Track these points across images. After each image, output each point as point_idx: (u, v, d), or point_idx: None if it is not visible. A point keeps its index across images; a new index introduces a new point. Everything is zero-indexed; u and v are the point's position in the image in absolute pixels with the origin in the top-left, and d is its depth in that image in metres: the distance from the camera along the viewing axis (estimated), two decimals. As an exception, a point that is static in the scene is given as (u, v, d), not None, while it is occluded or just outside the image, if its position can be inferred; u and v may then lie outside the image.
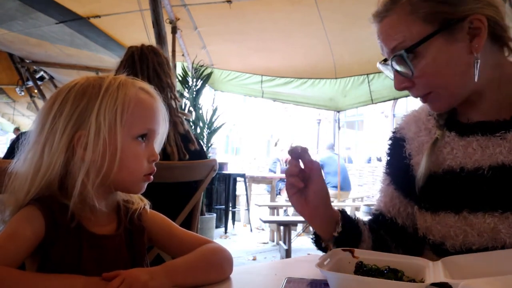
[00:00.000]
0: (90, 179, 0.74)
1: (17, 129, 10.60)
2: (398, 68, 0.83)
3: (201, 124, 5.40)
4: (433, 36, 0.79)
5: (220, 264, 0.80)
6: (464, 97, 0.85)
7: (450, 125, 0.91)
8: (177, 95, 1.82)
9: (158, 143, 0.85)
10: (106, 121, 0.74)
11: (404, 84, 0.84)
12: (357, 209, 6.02)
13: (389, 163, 1.03)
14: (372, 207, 4.99)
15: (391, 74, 0.87)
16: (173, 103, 1.76)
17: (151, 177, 0.81)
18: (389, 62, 0.85)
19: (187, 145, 1.74)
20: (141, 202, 0.88)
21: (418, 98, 0.88)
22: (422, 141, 0.95)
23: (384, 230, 0.98)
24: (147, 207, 0.88)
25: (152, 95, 0.83)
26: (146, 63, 1.71)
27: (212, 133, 5.50)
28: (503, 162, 0.81)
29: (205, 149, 1.90)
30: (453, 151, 0.87)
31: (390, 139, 1.04)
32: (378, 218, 1.00)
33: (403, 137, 1.00)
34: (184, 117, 1.81)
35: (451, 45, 0.80)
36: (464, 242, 0.83)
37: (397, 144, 1.01)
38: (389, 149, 1.04)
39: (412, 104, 9.96)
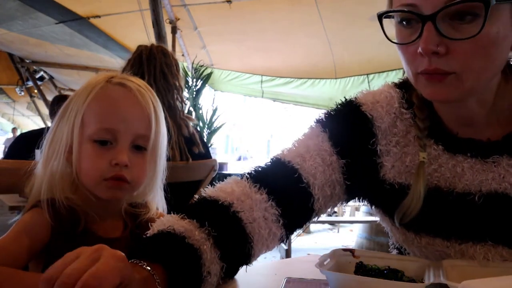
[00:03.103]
0: (67, 183, 0.75)
1: (15, 129, 10.58)
2: (443, 24, 0.62)
3: (201, 124, 5.40)
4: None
5: None
6: (477, 92, 0.70)
7: (437, 136, 0.76)
8: (184, 98, 1.81)
9: (155, 148, 0.79)
10: (68, 123, 0.75)
11: (439, 48, 0.62)
12: (357, 209, 6.02)
13: (339, 134, 0.79)
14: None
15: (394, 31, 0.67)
16: (178, 105, 1.75)
17: (121, 182, 0.74)
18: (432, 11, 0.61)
19: (191, 148, 1.73)
20: (155, 213, 0.85)
21: (422, 76, 0.67)
22: (398, 142, 0.78)
23: (285, 187, 0.74)
24: (153, 212, 0.86)
25: (132, 90, 0.76)
26: (154, 64, 1.70)
27: (212, 133, 5.50)
28: (495, 190, 0.72)
29: (210, 152, 1.89)
30: (441, 168, 0.75)
31: (345, 106, 0.82)
32: (292, 176, 0.75)
33: (371, 121, 0.79)
34: (190, 121, 1.80)
35: (511, 19, 0.64)
36: None
37: (362, 125, 0.79)
38: (342, 118, 0.81)
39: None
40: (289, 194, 0.74)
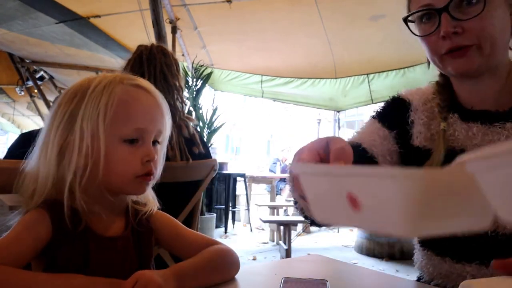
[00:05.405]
0: (77, 184, 0.74)
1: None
2: (454, 12, 0.81)
3: (201, 124, 5.40)
4: None
5: (226, 267, 0.81)
6: (493, 64, 0.85)
7: (454, 109, 0.93)
8: (184, 98, 1.81)
9: (163, 141, 0.83)
10: (89, 126, 0.74)
11: (456, 28, 0.81)
12: (357, 209, 6.02)
13: (386, 115, 1.01)
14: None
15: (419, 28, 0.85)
16: (179, 105, 1.74)
17: (150, 177, 0.78)
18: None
19: (191, 148, 1.73)
20: (153, 205, 0.86)
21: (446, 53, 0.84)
22: (427, 116, 0.97)
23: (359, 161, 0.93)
24: (155, 208, 0.87)
25: (147, 90, 0.80)
26: (154, 64, 1.69)
27: (212, 133, 5.50)
28: None
29: (211, 152, 1.89)
30: (455, 132, 0.91)
31: (390, 98, 1.05)
32: (358, 149, 0.96)
33: (409, 100, 1.01)
34: (190, 121, 1.80)
35: (508, 1, 0.82)
36: None
37: (401, 105, 1.01)
38: (387, 105, 1.04)
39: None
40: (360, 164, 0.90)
